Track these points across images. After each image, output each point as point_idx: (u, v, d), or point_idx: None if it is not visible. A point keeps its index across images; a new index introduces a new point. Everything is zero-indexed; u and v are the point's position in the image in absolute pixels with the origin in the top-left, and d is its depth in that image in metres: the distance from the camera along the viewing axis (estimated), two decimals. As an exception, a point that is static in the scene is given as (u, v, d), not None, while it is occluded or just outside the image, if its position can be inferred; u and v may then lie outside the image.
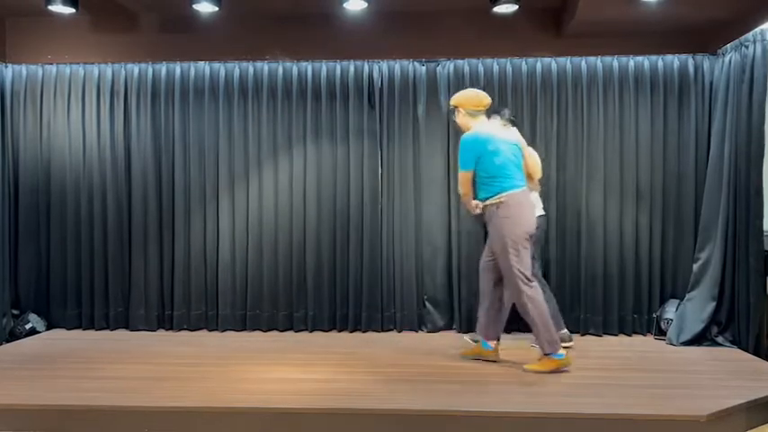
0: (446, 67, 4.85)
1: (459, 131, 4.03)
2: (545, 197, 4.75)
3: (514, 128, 4.20)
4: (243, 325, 4.94)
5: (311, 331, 4.91)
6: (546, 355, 3.77)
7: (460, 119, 3.94)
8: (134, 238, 4.94)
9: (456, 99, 3.97)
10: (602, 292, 4.77)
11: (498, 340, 4.05)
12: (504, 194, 3.77)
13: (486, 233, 4.09)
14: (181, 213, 4.94)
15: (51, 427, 3.22)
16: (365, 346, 4.47)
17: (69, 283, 4.97)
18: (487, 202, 3.83)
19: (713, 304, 4.40)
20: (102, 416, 3.22)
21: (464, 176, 3.86)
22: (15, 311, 4.88)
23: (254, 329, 4.92)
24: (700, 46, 4.72)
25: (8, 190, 4.90)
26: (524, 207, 3.83)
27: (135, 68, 4.93)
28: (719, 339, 4.39)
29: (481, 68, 4.82)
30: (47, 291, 4.99)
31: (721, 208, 4.39)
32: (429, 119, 4.86)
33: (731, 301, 4.37)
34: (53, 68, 4.95)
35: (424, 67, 4.87)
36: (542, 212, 4.32)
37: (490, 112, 4.06)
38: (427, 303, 4.90)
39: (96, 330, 4.92)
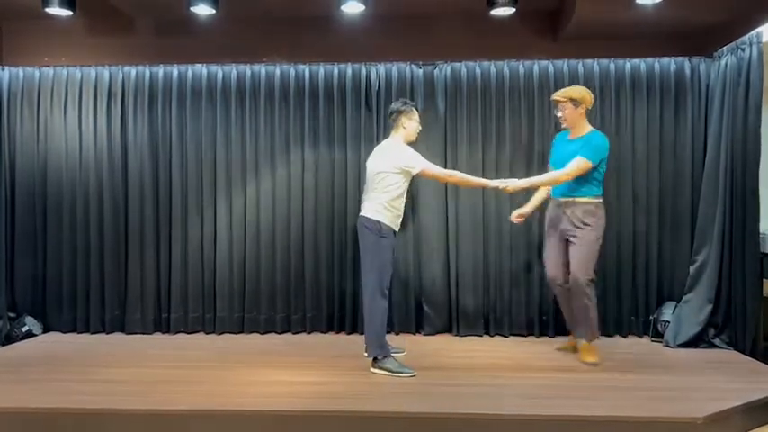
0: (443, 69, 4.86)
1: (558, 123, 4.21)
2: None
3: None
4: (240, 327, 4.93)
5: (309, 333, 4.91)
6: (590, 342, 4.09)
7: (576, 114, 4.05)
8: (131, 241, 4.93)
9: (579, 93, 4.05)
10: (599, 294, 4.76)
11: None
12: (601, 198, 4.07)
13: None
14: (178, 216, 4.94)
15: (47, 431, 3.22)
16: (363, 349, 4.46)
17: (66, 286, 4.95)
18: (591, 200, 4.03)
19: (710, 306, 4.40)
20: (98, 419, 3.22)
21: (586, 167, 3.96)
22: (12, 314, 4.86)
23: (252, 332, 4.92)
24: (696, 49, 4.73)
25: (5, 193, 4.89)
26: None
27: (132, 71, 4.93)
28: (716, 341, 4.40)
29: (478, 71, 4.82)
30: (43, 294, 4.98)
31: (718, 210, 4.40)
32: (426, 121, 4.84)
33: (728, 304, 4.38)
34: (50, 71, 4.95)
35: (421, 70, 4.87)
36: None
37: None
38: (425, 306, 4.89)
39: (92, 334, 4.91)
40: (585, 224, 3.98)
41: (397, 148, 3.92)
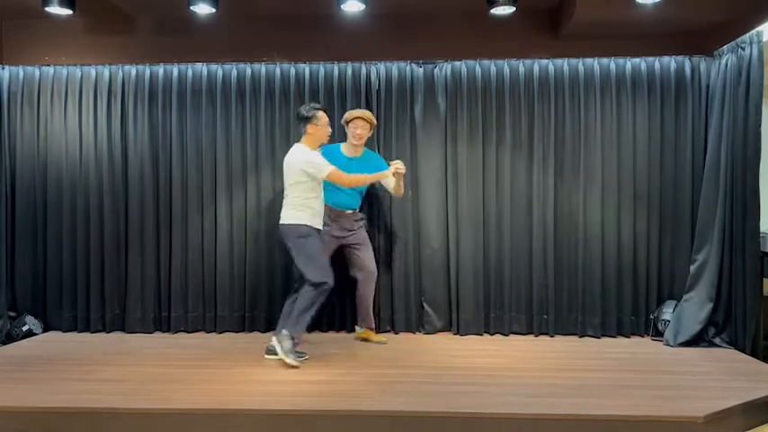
0: (443, 68, 4.85)
1: (354, 143, 4.42)
2: (543, 197, 4.78)
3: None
4: (241, 326, 4.93)
5: (309, 332, 4.89)
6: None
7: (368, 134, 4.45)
8: (131, 239, 4.93)
9: (373, 118, 4.45)
10: (599, 293, 4.77)
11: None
12: None
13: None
14: (178, 215, 4.94)
15: (48, 430, 3.22)
16: (363, 348, 4.47)
17: (66, 286, 4.95)
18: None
19: (710, 305, 4.40)
20: (98, 418, 3.22)
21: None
22: (12, 313, 4.87)
23: (253, 331, 4.92)
24: (696, 48, 4.73)
25: (5, 191, 4.89)
26: None
27: (132, 70, 4.93)
28: (716, 340, 4.40)
29: (478, 70, 4.82)
30: (43, 293, 4.98)
31: (718, 209, 4.40)
32: (426, 120, 4.86)
33: (728, 303, 4.38)
34: (50, 70, 4.95)
35: (421, 69, 4.87)
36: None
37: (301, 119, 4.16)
38: (425, 305, 4.89)
39: (92, 333, 4.91)
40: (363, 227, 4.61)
41: (302, 154, 4.07)
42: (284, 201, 4.15)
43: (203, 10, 4.32)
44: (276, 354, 3.99)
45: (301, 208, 4.04)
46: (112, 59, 4.94)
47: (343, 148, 4.49)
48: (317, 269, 4.02)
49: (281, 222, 4.13)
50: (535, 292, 4.80)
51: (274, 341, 4.02)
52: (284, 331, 3.98)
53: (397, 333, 4.86)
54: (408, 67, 4.86)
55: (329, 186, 4.26)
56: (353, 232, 4.50)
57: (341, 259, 4.53)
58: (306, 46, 4.88)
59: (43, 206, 4.97)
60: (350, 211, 4.49)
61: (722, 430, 3.16)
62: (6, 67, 4.96)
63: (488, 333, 4.85)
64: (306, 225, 4.04)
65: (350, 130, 4.42)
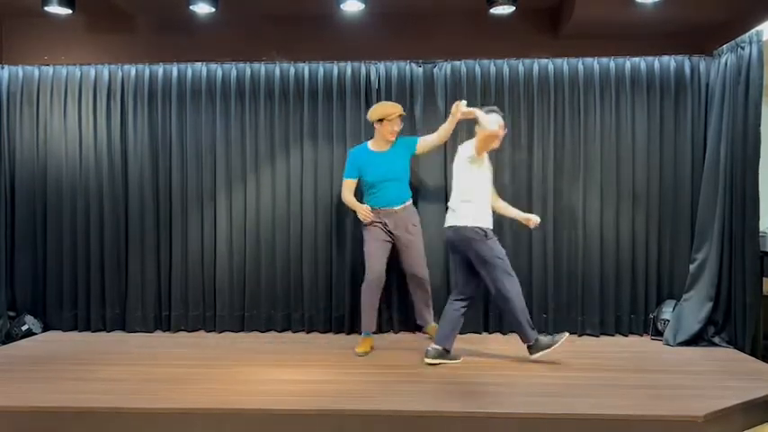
0: (443, 68, 4.85)
1: (391, 139, 4.39)
2: (543, 197, 4.78)
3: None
4: (241, 326, 4.94)
5: (309, 332, 4.91)
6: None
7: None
8: (131, 239, 4.93)
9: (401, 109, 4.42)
10: (598, 292, 4.78)
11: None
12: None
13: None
14: (178, 214, 4.94)
15: (48, 429, 3.22)
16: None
17: (66, 285, 4.96)
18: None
19: (710, 305, 4.41)
20: (99, 417, 3.22)
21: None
22: (12, 313, 4.87)
23: (252, 330, 4.92)
24: (696, 47, 4.73)
25: (5, 191, 4.89)
26: None
27: (132, 70, 4.93)
28: (716, 340, 4.41)
29: (478, 70, 4.82)
30: (43, 292, 4.98)
31: (718, 208, 4.41)
32: (426, 120, 4.86)
33: (728, 302, 4.38)
34: (50, 70, 4.95)
35: (421, 69, 4.87)
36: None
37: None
38: (425, 304, 4.89)
39: (93, 332, 4.92)
40: (414, 225, 4.45)
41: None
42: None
43: (203, 10, 4.32)
44: (544, 348, 3.99)
45: None
46: (112, 59, 4.94)
47: (372, 144, 4.45)
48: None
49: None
50: (534, 291, 4.80)
51: (538, 354, 4.00)
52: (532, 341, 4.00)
53: (396, 332, 4.86)
54: (408, 67, 4.86)
55: None
56: (401, 228, 4.44)
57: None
58: (306, 46, 4.88)
59: (43, 205, 4.97)
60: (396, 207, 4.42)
61: (722, 430, 3.16)
62: (6, 67, 4.96)
63: (488, 332, 4.85)
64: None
65: (387, 127, 4.34)
